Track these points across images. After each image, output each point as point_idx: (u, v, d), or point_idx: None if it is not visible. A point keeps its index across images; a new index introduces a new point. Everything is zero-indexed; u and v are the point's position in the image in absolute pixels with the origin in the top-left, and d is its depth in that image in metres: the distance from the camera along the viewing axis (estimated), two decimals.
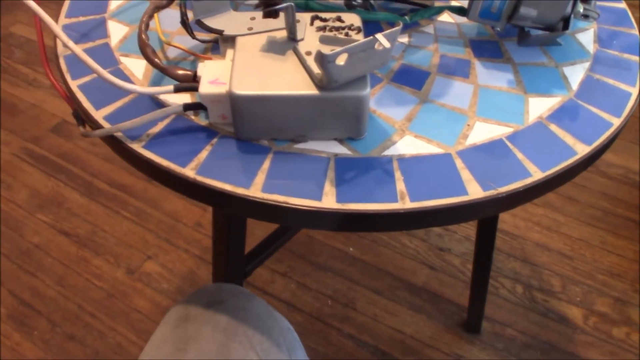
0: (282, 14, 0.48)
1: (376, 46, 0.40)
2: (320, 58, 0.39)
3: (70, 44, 0.49)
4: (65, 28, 0.60)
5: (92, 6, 0.63)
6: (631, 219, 1.44)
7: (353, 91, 0.43)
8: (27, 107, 1.65)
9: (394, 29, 0.40)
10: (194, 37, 0.52)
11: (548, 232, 1.40)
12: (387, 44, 0.39)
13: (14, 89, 1.70)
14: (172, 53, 0.56)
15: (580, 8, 0.53)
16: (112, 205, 1.38)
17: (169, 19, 0.58)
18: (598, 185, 1.51)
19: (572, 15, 0.53)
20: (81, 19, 0.62)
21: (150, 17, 0.51)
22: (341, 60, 0.40)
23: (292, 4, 0.45)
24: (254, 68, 0.46)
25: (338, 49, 0.40)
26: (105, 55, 0.57)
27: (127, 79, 0.54)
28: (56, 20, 0.59)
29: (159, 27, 0.57)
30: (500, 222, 1.38)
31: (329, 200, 0.43)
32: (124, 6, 0.63)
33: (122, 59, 0.56)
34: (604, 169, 1.55)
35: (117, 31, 0.60)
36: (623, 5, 0.67)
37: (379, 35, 0.40)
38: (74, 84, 0.54)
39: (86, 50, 0.57)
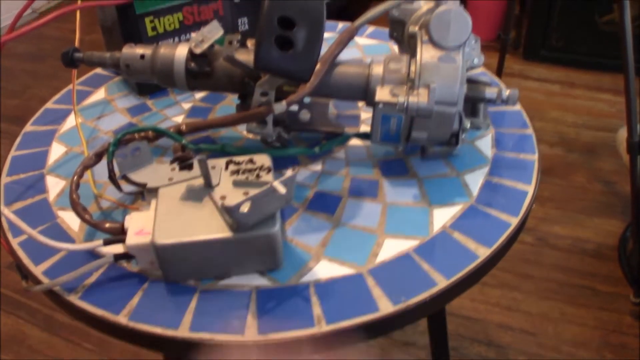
0: (197, 164, 0.53)
1: (275, 192, 0.45)
2: (226, 209, 0.44)
3: (5, 210, 0.54)
4: (7, 187, 0.65)
5: (32, 161, 0.68)
6: (586, 287, 1.49)
7: (264, 230, 0.48)
8: None
9: (290, 175, 0.46)
10: (121, 190, 0.57)
11: (508, 311, 1.43)
12: (282, 190, 0.44)
13: None
14: (106, 203, 0.60)
15: (467, 124, 0.60)
16: (74, 338, 1.38)
17: (104, 169, 0.63)
18: (550, 259, 1.56)
19: (461, 132, 0.59)
20: (22, 176, 0.66)
21: (80, 176, 0.56)
22: (245, 208, 0.45)
23: (204, 157, 0.50)
24: (175, 216, 0.50)
25: (251, 191, 0.45)
26: (44, 211, 0.61)
27: (63, 232, 0.58)
28: None
29: (92, 181, 0.62)
30: (460, 308, 1.42)
31: (251, 333, 0.46)
32: (62, 160, 0.68)
33: (60, 213, 0.60)
34: (553, 241, 1.61)
35: (54, 185, 0.64)
36: (518, 107, 0.74)
37: (275, 183, 0.45)
38: (14, 242, 0.57)
39: (26, 207, 0.62)
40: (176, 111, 0.75)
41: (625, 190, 1.77)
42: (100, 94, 0.81)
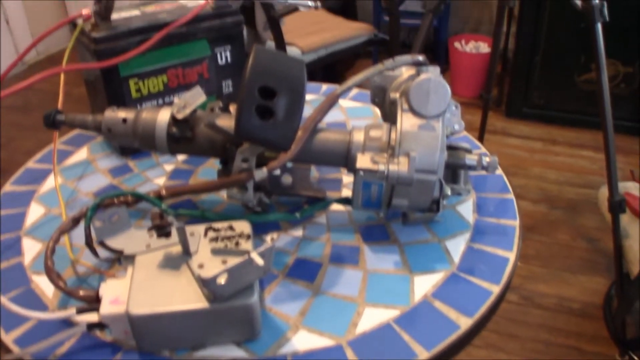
0: (175, 231, 0.52)
1: (253, 263, 0.44)
2: (202, 281, 0.43)
3: None
4: None
5: (10, 222, 0.67)
6: (572, 347, 1.48)
7: (241, 300, 0.47)
8: None
9: (268, 246, 0.45)
10: (97, 256, 0.56)
11: None
12: (260, 262, 0.44)
13: None
14: (82, 268, 0.59)
15: (448, 190, 0.60)
16: None
17: (81, 232, 0.62)
18: (535, 318, 1.55)
19: (441, 199, 0.59)
20: None
21: (56, 241, 0.55)
22: (222, 280, 0.44)
23: (183, 225, 0.49)
24: (151, 285, 0.49)
25: (229, 259, 0.44)
26: (18, 275, 0.60)
27: (37, 298, 0.57)
28: None
29: (68, 246, 0.61)
30: None
31: None
32: (40, 222, 0.67)
33: (34, 278, 0.59)
34: (539, 300, 1.60)
35: (31, 248, 0.63)
36: (500, 172, 0.75)
37: (253, 254, 0.44)
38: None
39: (0, 271, 0.60)
40: (158, 173, 0.75)
41: (609, 248, 1.77)
42: (82, 154, 0.80)
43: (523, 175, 2.19)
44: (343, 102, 0.91)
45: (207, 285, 0.44)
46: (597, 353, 1.45)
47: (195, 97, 0.59)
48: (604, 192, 1.45)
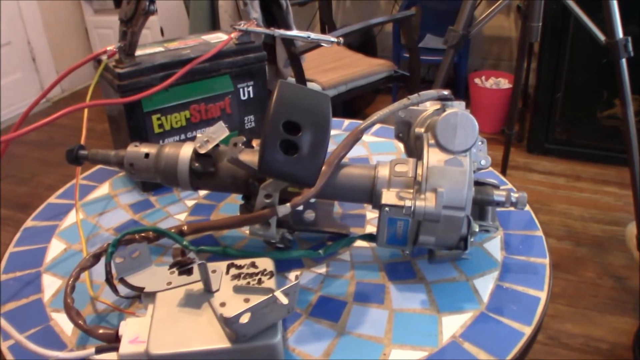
0: (196, 269, 0.51)
1: (277, 302, 0.43)
2: (224, 321, 0.42)
3: None
4: (3, 285, 0.63)
5: (30, 258, 0.67)
6: None
7: (264, 340, 0.46)
8: None
9: (292, 284, 0.44)
10: (117, 294, 0.55)
11: None
12: (285, 301, 0.43)
13: None
14: (102, 305, 0.58)
15: (476, 227, 0.58)
16: None
17: (102, 268, 0.62)
18: (562, 358, 1.50)
19: (469, 236, 0.57)
20: (18, 274, 0.65)
21: (76, 278, 0.54)
22: (245, 319, 0.43)
23: (204, 262, 0.48)
24: (172, 324, 0.48)
25: (252, 297, 0.43)
26: (38, 312, 0.59)
27: (56, 336, 0.55)
28: None
29: (88, 282, 0.60)
30: None
31: None
32: (60, 257, 0.67)
33: (54, 315, 0.58)
34: (565, 340, 1.56)
35: (50, 285, 0.62)
36: (527, 208, 0.73)
37: (277, 293, 0.43)
38: (4, 345, 0.55)
39: (20, 307, 0.59)
40: (179, 208, 0.74)
41: (636, 286, 1.72)
42: (104, 189, 0.80)
43: (547, 211, 2.16)
44: (365, 137, 0.91)
45: (229, 324, 0.43)
46: None
47: (218, 132, 0.58)
48: (631, 229, 1.42)
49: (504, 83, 2.73)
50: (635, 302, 1.68)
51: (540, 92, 2.47)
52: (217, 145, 0.59)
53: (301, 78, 1.95)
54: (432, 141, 0.56)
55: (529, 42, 1.56)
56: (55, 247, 0.69)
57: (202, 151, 0.58)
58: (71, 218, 0.74)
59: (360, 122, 0.61)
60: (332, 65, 2.27)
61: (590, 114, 2.40)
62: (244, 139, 0.56)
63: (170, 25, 3.19)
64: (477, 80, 2.76)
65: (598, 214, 2.13)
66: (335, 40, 0.85)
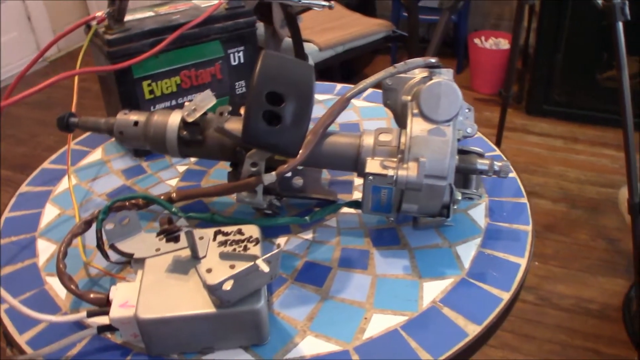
0: (184, 236, 0.52)
1: (259, 270, 0.44)
2: (208, 288, 0.43)
3: None
4: (2, 247, 0.65)
5: (26, 223, 0.68)
6: (590, 349, 1.46)
7: (248, 305, 0.47)
8: None
9: (274, 252, 0.45)
10: (108, 260, 0.56)
11: None
12: (266, 269, 0.44)
13: None
14: (94, 270, 0.60)
15: (458, 195, 0.59)
16: None
17: (94, 235, 0.63)
18: (552, 319, 1.53)
19: (452, 204, 0.58)
20: (14, 238, 0.66)
21: (68, 244, 0.56)
22: (227, 286, 0.44)
23: (191, 229, 0.50)
24: (160, 289, 0.50)
25: (237, 264, 0.44)
26: (32, 276, 0.60)
27: (50, 300, 0.57)
28: None
29: (81, 248, 0.61)
30: None
31: None
32: (54, 222, 0.68)
33: (48, 279, 0.60)
34: (556, 301, 1.59)
35: (45, 249, 0.64)
36: (514, 175, 0.74)
37: (259, 261, 0.44)
38: (2, 308, 0.57)
39: (15, 272, 0.61)
40: (171, 174, 0.75)
41: (629, 248, 1.75)
42: (97, 154, 0.81)
43: (543, 173, 2.17)
44: (356, 102, 0.91)
45: (213, 291, 0.44)
46: (615, 356, 1.43)
47: (205, 101, 0.59)
48: (624, 193, 1.43)
49: (504, 44, 2.71)
50: (626, 264, 1.70)
51: (540, 53, 2.45)
52: (205, 113, 0.60)
53: (298, 39, 1.93)
54: (416, 111, 0.56)
55: (527, 2, 1.55)
56: (50, 212, 0.70)
57: (190, 119, 0.59)
58: (65, 183, 0.75)
59: (352, 86, 0.62)
60: (329, 25, 2.25)
61: (589, 76, 2.39)
62: (230, 108, 0.57)
63: None
64: (476, 41, 2.73)
65: (594, 176, 2.14)
66: (327, 4, 0.85)
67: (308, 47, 2.02)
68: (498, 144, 1.99)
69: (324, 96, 0.94)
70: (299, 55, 1.96)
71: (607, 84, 2.36)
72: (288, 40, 1.99)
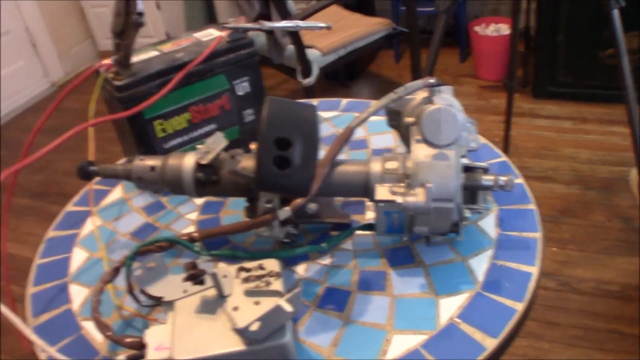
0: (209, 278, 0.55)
1: (282, 309, 0.47)
2: (236, 330, 0.46)
3: (26, 330, 0.57)
4: (34, 297, 0.68)
5: (56, 269, 0.72)
6: (613, 331, 1.47)
7: (275, 341, 0.50)
8: None
9: (294, 291, 0.48)
10: (139, 303, 0.59)
11: None
12: (289, 309, 0.47)
13: None
14: (126, 311, 0.63)
15: (467, 213, 0.62)
16: None
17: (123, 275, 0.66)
18: (574, 304, 1.55)
19: (460, 221, 0.61)
20: (47, 285, 0.70)
21: (100, 292, 0.59)
22: (255, 327, 0.47)
23: (215, 272, 0.53)
24: (191, 330, 0.53)
25: (262, 300, 0.47)
26: (69, 322, 0.64)
27: (88, 344, 0.61)
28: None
29: (112, 292, 0.64)
30: None
31: None
32: (84, 266, 0.71)
33: (84, 324, 0.63)
34: (576, 285, 1.60)
35: (78, 294, 0.67)
36: (520, 180, 0.76)
37: (282, 302, 0.47)
38: (43, 356, 0.60)
39: (51, 319, 0.65)
40: (190, 208, 0.78)
41: None
42: (117, 193, 0.84)
43: (554, 156, 2.18)
44: None
45: (241, 333, 0.47)
46: (638, 335, 1.45)
47: (217, 143, 0.62)
48: (634, 173, 1.44)
49: (505, 29, 2.71)
50: None
51: (542, 36, 2.45)
52: (217, 154, 0.62)
53: (300, 46, 1.96)
54: (418, 137, 0.59)
55: None
56: (78, 256, 0.73)
57: (204, 162, 0.61)
58: (89, 225, 0.78)
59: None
60: None
61: (592, 54, 2.39)
62: (241, 152, 0.59)
63: (176, 30, 3.16)
64: (477, 29, 2.74)
65: (606, 155, 2.15)
66: (325, 25, 0.87)
67: (311, 53, 2.04)
68: (507, 133, 2.00)
69: (330, 113, 0.96)
70: (302, 63, 1.99)
71: (609, 61, 2.36)
72: (290, 48, 2.02)
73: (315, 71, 1.97)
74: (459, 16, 2.87)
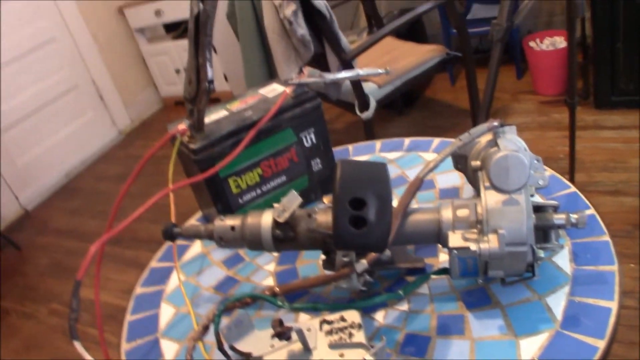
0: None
1: None
2: None
3: None
4: (128, 354, 0.72)
5: (146, 325, 0.76)
6: None
7: None
8: None
9: (379, 346, 0.50)
10: (229, 359, 0.63)
11: None
12: None
13: None
14: None
15: (541, 253, 0.62)
16: None
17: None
18: None
19: (535, 262, 0.62)
20: (139, 342, 0.74)
21: (193, 349, 0.63)
22: None
23: (301, 328, 0.55)
24: None
25: (346, 352, 0.50)
26: None
27: None
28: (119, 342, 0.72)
29: (202, 348, 0.68)
30: None
31: None
32: (172, 321, 0.76)
33: None
34: None
35: (169, 349, 0.71)
36: (592, 211, 0.75)
37: (368, 357, 0.49)
38: None
39: None
40: (267, 259, 0.82)
41: None
42: (197, 247, 0.89)
43: (623, 169, 2.12)
44: (426, 155, 0.95)
45: None
46: None
47: (292, 201, 0.65)
48: None
49: (560, 41, 2.67)
50: None
51: (599, 44, 2.41)
52: (294, 211, 0.65)
53: (356, 82, 2.00)
54: (487, 184, 0.60)
55: None
56: (166, 312, 0.78)
57: (281, 220, 0.65)
58: (174, 280, 0.83)
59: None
60: (383, 60, 2.30)
61: None
62: (316, 210, 0.62)
63: (232, 71, 3.22)
64: (532, 44, 2.71)
65: None
66: (384, 71, 0.90)
67: (367, 87, 2.07)
68: (572, 151, 1.97)
69: (394, 154, 0.98)
70: (359, 97, 2.02)
71: None
72: (347, 83, 2.06)
73: (372, 104, 2.00)
74: (513, 33, 2.85)
